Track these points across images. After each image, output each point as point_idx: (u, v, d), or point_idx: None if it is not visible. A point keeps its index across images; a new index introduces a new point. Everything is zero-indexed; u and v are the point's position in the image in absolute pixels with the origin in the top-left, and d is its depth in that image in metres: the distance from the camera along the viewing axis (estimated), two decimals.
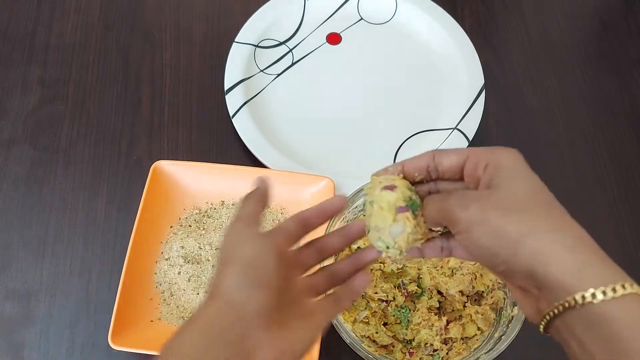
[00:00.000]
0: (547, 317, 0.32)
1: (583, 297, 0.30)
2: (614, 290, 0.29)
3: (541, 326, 0.34)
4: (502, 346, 0.50)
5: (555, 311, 0.31)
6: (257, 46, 0.75)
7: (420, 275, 0.58)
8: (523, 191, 0.34)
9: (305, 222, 0.42)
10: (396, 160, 0.69)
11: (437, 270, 0.58)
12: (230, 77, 0.72)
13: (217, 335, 0.34)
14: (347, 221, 0.58)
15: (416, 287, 0.57)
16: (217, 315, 0.35)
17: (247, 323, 0.35)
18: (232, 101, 0.70)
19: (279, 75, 0.75)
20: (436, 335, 0.55)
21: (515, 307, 0.52)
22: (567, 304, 0.30)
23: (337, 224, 0.56)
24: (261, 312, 0.35)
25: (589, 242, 0.33)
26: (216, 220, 0.64)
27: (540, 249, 0.32)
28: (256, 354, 0.34)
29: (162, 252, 0.62)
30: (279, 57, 0.76)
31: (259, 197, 0.42)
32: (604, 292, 0.29)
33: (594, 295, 0.29)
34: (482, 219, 0.34)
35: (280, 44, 0.77)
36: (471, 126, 0.70)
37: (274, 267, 0.37)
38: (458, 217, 0.35)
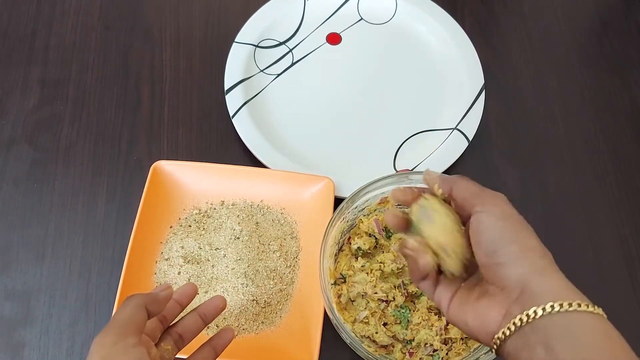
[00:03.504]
0: (520, 321, 0.36)
1: (570, 304, 0.35)
2: (594, 307, 0.35)
3: (506, 330, 0.36)
4: None
5: (532, 314, 0.35)
6: (257, 46, 0.75)
7: None
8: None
9: (162, 318, 0.46)
10: (396, 161, 0.69)
11: None
12: (230, 77, 0.72)
13: None
14: (347, 221, 0.58)
15: (416, 287, 0.57)
16: None
17: None
18: (232, 101, 0.70)
19: (279, 75, 0.75)
20: (436, 335, 0.55)
21: None
22: (551, 308, 0.35)
23: (337, 223, 0.56)
24: None
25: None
26: (216, 220, 0.64)
27: (541, 264, 0.37)
28: None
29: (162, 252, 0.62)
30: (279, 57, 0.76)
31: (141, 305, 0.42)
32: (587, 305, 0.35)
33: (579, 305, 0.35)
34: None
35: (280, 44, 0.77)
36: (471, 126, 0.70)
37: None
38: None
